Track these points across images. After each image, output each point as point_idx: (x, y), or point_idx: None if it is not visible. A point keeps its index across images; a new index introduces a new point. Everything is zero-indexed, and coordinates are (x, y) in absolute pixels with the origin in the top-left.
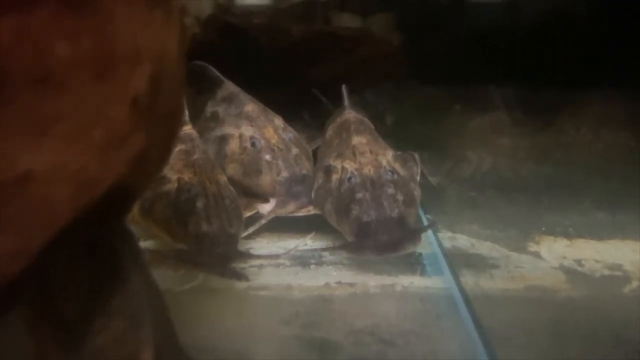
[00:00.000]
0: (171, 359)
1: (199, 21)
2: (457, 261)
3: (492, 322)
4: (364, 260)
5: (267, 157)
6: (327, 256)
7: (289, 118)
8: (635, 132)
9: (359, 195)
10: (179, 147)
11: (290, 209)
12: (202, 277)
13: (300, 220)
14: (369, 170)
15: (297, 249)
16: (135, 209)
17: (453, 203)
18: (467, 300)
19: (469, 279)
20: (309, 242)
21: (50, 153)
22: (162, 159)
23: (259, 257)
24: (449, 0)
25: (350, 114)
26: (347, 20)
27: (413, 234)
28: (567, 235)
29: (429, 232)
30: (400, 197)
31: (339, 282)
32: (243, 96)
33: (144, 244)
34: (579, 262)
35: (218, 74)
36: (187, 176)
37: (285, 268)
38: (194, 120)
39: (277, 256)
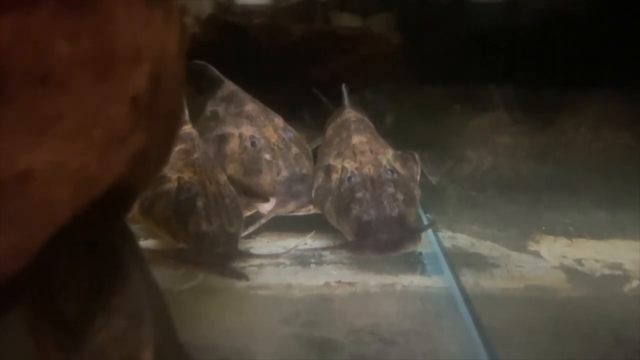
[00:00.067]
0: (171, 357)
1: (199, 21)
2: (457, 260)
3: (492, 322)
4: (364, 260)
5: (267, 156)
6: (327, 255)
7: (289, 117)
8: (636, 132)
9: (359, 194)
10: (179, 147)
11: (290, 209)
12: (202, 277)
13: (301, 220)
14: (369, 169)
15: (297, 248)
16: (136, 209)
17: (453, 202)
18: (467, 300)
19: (469, 278)
20: (309, 242)
21: (50, 152)
22: (162, 158)
23: (259, 256)
24: (449, 0)
25: (350, 113)
26: (347, 20)
27: (413, 233)
28: (567, 235)
29: (429, 231)
30: (400, 197)
31: (339, 282)
32: (243, 95)
33: (144, 243)
34: (579, 261)
35: (218, 73)
36: (187, 175)
37: (286, 267)
38: (194, 119)
39: (277, 255)
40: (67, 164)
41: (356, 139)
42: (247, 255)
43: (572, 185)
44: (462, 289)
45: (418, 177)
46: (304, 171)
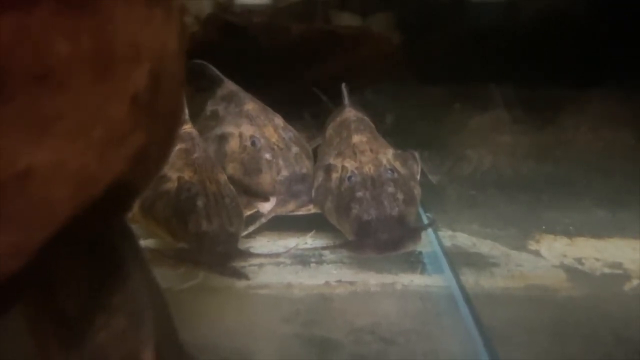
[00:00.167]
0: (172, 357)
1: (199, 20)
2: (458, 260)
3: (493, 321)
4: (364, 259)
5: (267, 156)
6: (328, 255)
7: (288, 117)
8: (636, 131)
9: (359, 193)
10: (179, 146)
11: (291, 208)
12: (202, 276)
13: (301, 219)
14: (369, 168)
15: (298, 248)
16: (136, 208)
17: (453, 201)
18: (468, 299)
19: (469, 278)
20: (309, 241)
21: (51, 151)
22: (162, 157)
23: (259, 255)
24: None
25: (350, 112)
26: (347, 20)
27: (413, 232)
28: (568, 234)
29: (429, 230)
30: (400, 196)
31: (339, 281)
32: (243, 95)
33: (144, 242)
34: (579, 260)
35: (218, 72)
36: (187, 175)
37: (286, 267)
38: (194, 119)
39: (277, 255)
40: (67, 163)
41: (356, 139)
42: (247, 254)
43: (572, 184)
44: (462, 288)
45: (418, 177)
46: (304, 171)
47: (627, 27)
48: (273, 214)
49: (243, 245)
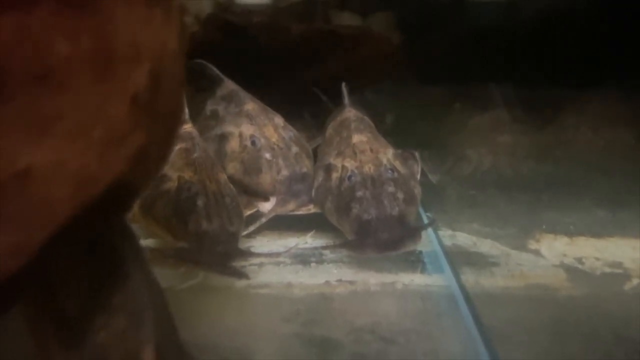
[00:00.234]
0: (172, 356)
1: (199, 20)
2: (458, 259)
3: (493, 320)
4: (364, 258)
5: (267, 155)
6: (328, 254)
7: (289, 117)
8: (636, 130)
9: (359, 193)
10: (179, 146)
11: (291, 208)
12: (202, 275)
13: (301, 219)
14: (369, 168)
15: (298, 247)
16: (136, 208)
17: (453, 201)
18: (468, 298)
19: (469, 277)
20: (309, 241)
21: (51, 151)
22: (162, 157)
23: (259, 255)
24: None
25: (350, 112)
26: (347, 19)
27: (413, 232)
28: (568, 233)
29: (430, 230)
30: (400, 195)
31: (340, 280)
32: (243, 95)
33: (144, 242)
34: (579, 260)
35: (218, 72)
36: (187, 175)
37: (286, 266)
38: (194, 118)
39: (277, 254)
40: (67, 163)
41: (356, 138)
42: (247, 254)
43: (572, 184)
44: (462, 287)
45: (418, 176)
46: (304, 170)
47: (627, 26)
48: (273, 214)
49: (243, 244)
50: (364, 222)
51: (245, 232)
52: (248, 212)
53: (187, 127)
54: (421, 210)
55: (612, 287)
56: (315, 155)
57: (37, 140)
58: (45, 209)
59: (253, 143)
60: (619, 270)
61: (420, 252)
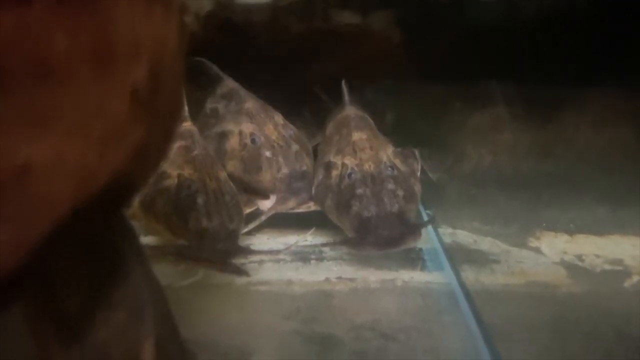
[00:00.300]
0: (172, 353)
1: (198, 18)
2: (458, 256)
3: (493, 318)
4: (364, 256)
5: (267, 153)
6: (328, 252)
7: (288, 115)
8: (636, 128)
9: (359, 191)
10: (178, 143)
11: (291, 205)
12: (202, 273)
13: (301, 217)
14: (369, 166)
15: (298, 245)
16: (136, 205)
17: (453, 199)
18: (468, 296)
19: (469, 274)
20: (309, 238)
21: (50, 147)
22: (162, 153)
23: (259, 252)
24: None
25: (350, 110)
26: (347, 18)
27: (413, 229)
28: (568, 231)
29: (430, 227)
30: (400, 193)
31: (340, 278)
32: (243, 93)
33: (144, 239)
34: (579, 257)
35: (218, 70)
36: (187, 172)
37: (286, 263)
38: (193, 116)
39: (277, 252)
40: (67, 159)
41: (356, 136)
42: (247, 251)
43: (573, 182)
44: (462, 285)
45: (418, 174)
46: (304, 168)
47: (628, 23)
48: (273, 212)
49: (243, 242)
50: (364, 219)
51: (245, 230)
52: (248, 210)
53: (187, 125)
54: (421, 208)
55: (613, 285)
56: (315, 153)
57: (36, 136)
58: (44, 205)
59: (253, 141)
60: (620, 268)
61: (421, 249)
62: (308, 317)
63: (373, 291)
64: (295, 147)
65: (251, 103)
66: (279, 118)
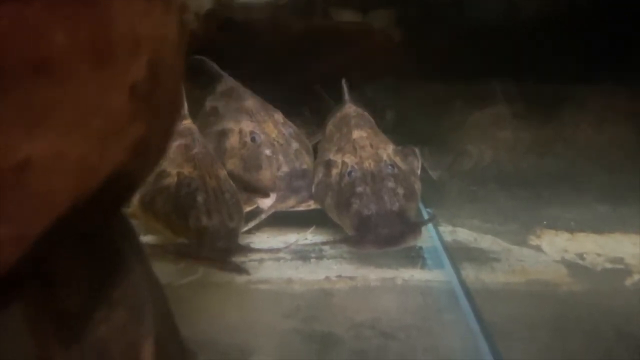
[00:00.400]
0: (171, 351)
1: (199, 16)
2: (458, 255)
3: (494, 316)
4: (364, 254)
5: (267, 151)
6: (328, 250)
7: (288, 113)
8: (637, 126)
9: (360, 189)
10: (178, 142)
11: (291, 204)
12: (202, 271)
13: (301, 215)
14: (369, 164)
15: (298, 243)
16: (136, 204)
17: (454, 197)
18: (468, 294)
19: (469, 273)
20: (309, 236)
21: (49, 142)
22: (162, 149)
23: (259, 251)
24: None
25: (350, 108)
26: (347, 16)
27: (413, 227)
28: (569, 229)
29: (430, 225)
30: (400, 191)
31: (340, 276)
32: (243, 91)
33: (144, 238)
34: (580, 255)
35: (218, 68)
36: (187, 170)
37: (286, 262)
38: (193, 115)
39: (277, 250)
40: (66, 154)
41: (356, 134)
42: (247, 249)
43: (573, 180)
44: (463, 283)
45: (418, 172)
46: (304, 166)
47: (629, 20)
48: (273, 210)
49: (243, 240)
50: (364, 217)
51: (245, 228)
52: (248, 209)
53: (187, 123)
54: (421, 206)
55: (613, 283)
56: (315, 152)
57: (35, 133)
58: (44, 201)
59: (253, 139)
60: (620, 266)
61: (421, 247)
62: (308, 316)
63: (373, 289)
64: (295, 145)
65: (251, 101)
66: (279, 116)
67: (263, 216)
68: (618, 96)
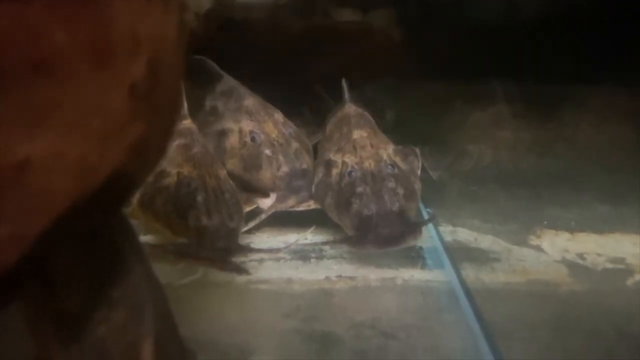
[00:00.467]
0: (171, 351)
1: (198, 16)
2: (458, 255)
3: (494, 316)
4: (364, 254)
5: (267, 151)
6: (328, 250)
7: (288, 113)
8: (637, 125)
9: (360, 189)
10: (178, 141)
11: (291, 204)
12: (202, 271)
13: (301, 215)
14: (369, 164)
15: (298, 243)
16: (136, 203)
17: (454, 197)
18: (469, 294)
19: (470, 273)
20: (309, 236)
21: (49, 142)
22: (162, 148)
23: (259, 251)
24: None
25: (350, 108)
26: (347, 15)
27: (414, 227)
28: (569, 229)
29: (430, 225)
30: (400, 191)
31: (340, 276)
32: (242, 90)
33: (144, 238)
34: (580, 255)
35: (217, 68)
36: (186, 170)
37: (286, 262)
38: (193, 114)
39: (277, 250)
40: (66, 153)
41: (356, 134)
42: (247, 249)
43: (574, 180)
44: (463, 283)
45: (419, 172)
46: (304, 166)
47: (629, 21)
48: (273, 210)
49: (243, 240)
50: (364, 217)
51: (245, 228)
52: (248, 208)
53: (187, 123)
54: (421, 206)
55: (614, 283)
56: (315, 151)
57: (35, 131)
58: (44, 200)
59: (253, 139)
60: (621, 266)
61: (421, 247)
62: (308, 316)
63: (373, 289)
64: (295, 145)
65: (251, 101)
66: (278, 116)
67: (263, 216)
68: (618, 96)
